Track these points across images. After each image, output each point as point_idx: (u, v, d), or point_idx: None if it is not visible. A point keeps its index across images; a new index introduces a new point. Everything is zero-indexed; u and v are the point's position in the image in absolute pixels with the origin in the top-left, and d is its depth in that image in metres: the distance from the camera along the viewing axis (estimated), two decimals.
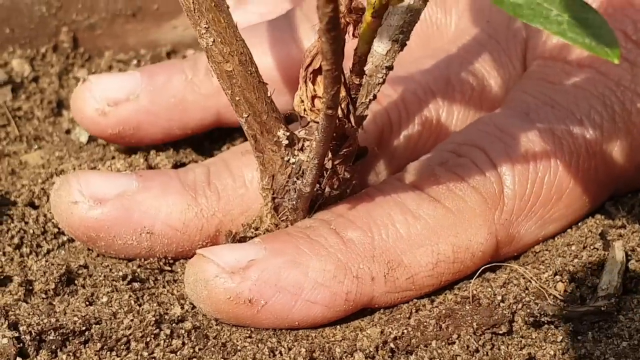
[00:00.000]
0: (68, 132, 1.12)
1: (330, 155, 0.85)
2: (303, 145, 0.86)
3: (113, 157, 1.05)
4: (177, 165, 1.03)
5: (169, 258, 0.92)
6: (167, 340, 0.83)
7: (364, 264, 0.84)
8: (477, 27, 0.99)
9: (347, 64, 0.80)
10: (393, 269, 0.84)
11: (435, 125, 0.96)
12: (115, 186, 0.90)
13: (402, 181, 0.89)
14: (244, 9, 1.13)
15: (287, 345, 0.83)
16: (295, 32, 1.02)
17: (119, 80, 1.01)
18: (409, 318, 0.84)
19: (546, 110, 0.91)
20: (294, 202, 0.88)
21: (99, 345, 0.82)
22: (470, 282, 0.87)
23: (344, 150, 0.84)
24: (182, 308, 0.86)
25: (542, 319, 0.83)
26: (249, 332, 0.84)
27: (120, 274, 0.89)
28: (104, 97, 1.00)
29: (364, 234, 0.85)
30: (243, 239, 0.89)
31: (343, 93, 0.81)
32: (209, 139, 1.08)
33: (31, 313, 0.83)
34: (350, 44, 0.79)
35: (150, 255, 0.91)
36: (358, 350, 0.81)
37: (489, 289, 0.86)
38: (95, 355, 0.81)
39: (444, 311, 0.84)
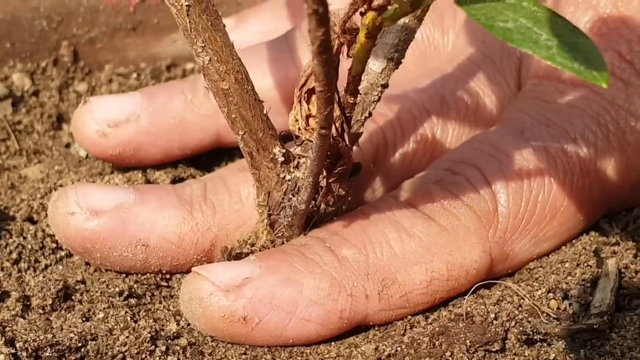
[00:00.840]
0: (68, 146, 1.13)
1: (325, 173, 0.85)
2: (299, 162, 0.86)
3: (112, 172, 1.05)
4: (176, 181, 1.03)
5: (164, 272, 0.92)
6: (163, 357, 0.83)
7: (359, 281, 0.84)
8: (473, 47, 1.00)
9: (343, 83, 0.81)
10: (387, 286, 0.85)
11: (431, 143, 0.96)
12: (112, 199, 0.91)
13: (397, 199, 0.90)
14: (243, 28, 1.14)
15: None
16: (294, 53, 1.02)
17: (119, 101, 1.02)
18: (403, 335, 0.85)
19: (541, 128, 0.91)
20: (290, 219, 0.88)
21: None
22: (464, 299, 0.88)
23: (339, 168, 0.85)
24: (178, 324, 0.87)
25: (535, 337, 0.84)
26: (244, 348, 0.84)
27: (117, 289, 0.90)
28: (104, 118, 1.01)
29: (359, 252, 0.85)
30: (239, 255, 0.89)
31: (337, 112, 0.81)
32: (207, 155, 1.09)
33: (28, 329, 0.84)
34: (346, 63, 0.80)
35: (146, 268, 0.91)
36: None
37: (483, 307, 0.86)
38: None
39: (437, 328, 0.84)
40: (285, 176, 0.86)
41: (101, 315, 0.87)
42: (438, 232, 0.87)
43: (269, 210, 0.88)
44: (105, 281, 0.91)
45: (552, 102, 0.93)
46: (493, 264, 0.89)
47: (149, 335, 0.84)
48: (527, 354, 0.83)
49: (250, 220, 0.91)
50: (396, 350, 0.83)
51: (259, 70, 0.99)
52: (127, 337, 0.84)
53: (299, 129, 0.84)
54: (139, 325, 0.85)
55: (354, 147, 0.87)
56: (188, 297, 0.84)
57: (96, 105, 1.01)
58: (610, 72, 0.90)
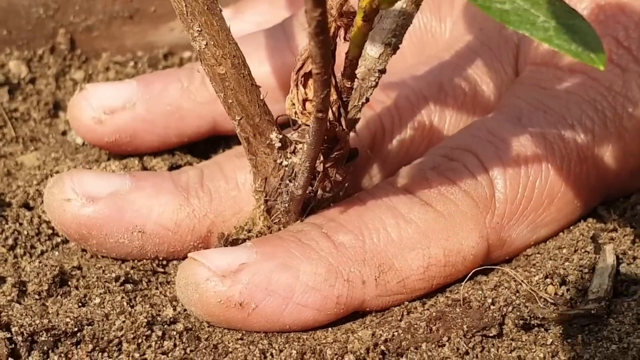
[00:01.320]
0: (64, 133, 1.13)
1: (321, 158, 0.85)
2: (295, 148, 0.86)
3: (108, 159, 1.05)
4: (173, 168, 1.03)
5: (161, 258, 0.92)
6: (159, 342, 0.83)
7: (355, 267, 0.84)
8: (470, 34, 1.00)
9: (341, 67, 0.81)
10: (384, 272, 0.85)
11: (428, 129, 0.96)
12: (109, 185, 0.91)
13: (394, 185, 0.90)
14: (240, 19, 1.14)
15: (279, 347, 0.83)
16: (291, 41, 1.02)
17: (116, 88, 1.02)
18: (400, 320, 0.85)
19: (538, 115, 0.91)
20: (287, 205, 0.88)
21: (90, 346, 0.82)
22: (461, 285, 0.88)
23: (336, 153, 0.85)
24: (175, 310, 0.87)
25: (532, 322, 0.84)
26: (240, 334, 0.84)
27: (113, 275, 0.90)
28: (101, 105, 1.01)
29: (356, 238, 0.85)
30: (235, 241, 0.89)
31: (334, 96, 0.81)
32: (205, 142, 1.09)
33: (24, 314, 0.84)
34: (343, 48, 0.80)
35: (142, 255, 0.91)
36: (349, 353, 0.82)
37: (480, 292, 0.86)
38: (87, 356, 0.82)
39: (434, 314, 0.84)
40: (282, 162, 0.86)
41: (97, 300, 0.87)
42: (435, 218, 0.87)
43: (265, 196, 0.88)
44: (101, 267, 0.91)
45: (550, 89, 0.93)
46: (490, 250, 0.89)
47: (145, 321, 0.84)
48: (524, 339, 0.83)
49: (246, 206, 0.91)
50: (393, 336, 0.83)
51: (256, 58, 0.99)
52: (124, 322, 0.84)
53: (296, 112, 0.84)
54: (135, 310, 0.85)
55: (352, 134, 0.87)
56: (184, 282, 0.84)
57: (92, 92, 1.01)
58: (607, 58, 0.91)
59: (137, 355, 0.82)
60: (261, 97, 0.85)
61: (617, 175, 0.93)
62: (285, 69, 1.01)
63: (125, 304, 0.86)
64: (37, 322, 0.83)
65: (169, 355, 0.82)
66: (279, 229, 0.89)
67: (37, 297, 0.88)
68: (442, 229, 0.87)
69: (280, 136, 0.85)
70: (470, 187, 0.88)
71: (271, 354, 0.82)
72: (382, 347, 0.82)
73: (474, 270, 0.89)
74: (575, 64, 0.93)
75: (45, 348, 0.82)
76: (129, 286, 0.90)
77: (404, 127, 0.96)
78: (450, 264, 0.87)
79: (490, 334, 0.83)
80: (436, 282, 0.87)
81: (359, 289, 0.84)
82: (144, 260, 0.92)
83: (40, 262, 0.91)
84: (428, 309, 0.86)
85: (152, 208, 0.90)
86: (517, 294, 0.86)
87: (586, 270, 0.88)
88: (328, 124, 0.80)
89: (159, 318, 0.85)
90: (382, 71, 0.85)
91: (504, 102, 0.95)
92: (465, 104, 0.98)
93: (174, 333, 0.84)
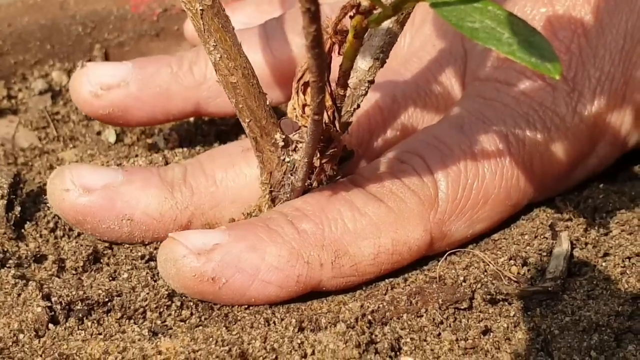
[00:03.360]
0: (99, 133, 1.14)
1: (318, 155, 0.85)
2: (296, 146, 0.87)
3: (136, 156, 1.06)
4: None
5: (147, 243, 0.91)
6: (178, 311, 0.84)
7: (315, 251, 0.84)
8: (424, 50, 0.99)
9: (336, 78, 0.81)
10: (339, 257, 0.84)
11: (382, 133, 0.96)
12: (103, 178, 0.90)
13: (353, 182, 0.89)
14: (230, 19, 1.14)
15: (280, 316, 0.83)
16: (270, 39, 1.02)
17: (113, 68, 1.01)
18: (385, 294, 0.85)
19: (478, 124, 0.91)
20: (288, 195, 0.89)
21: (119, 314, 0.83)
22: (438, 265, 0.88)
23: (330, 151, 0.85)
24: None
25: (498, 297, 0.84)
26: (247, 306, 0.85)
27: (139, 254, 0.90)
28: (98, 81, 1.00)
29: (316, 226, 0.85)
30: None
31: (329, 102, 0.82)
32: (219, 140, 1.09)
33: (62, 286, 0.84)
34: (338, 61, 0.80)
35: (130, 240, 0.91)
36: (341, 321, 0.82)
37: (453, 271, 0.87)
38: (116, 322, 0.82)
39: (414, 289, 0.85)
40: (285, 158, 0.87)
41: (125, 275, 0.88)
42: (386, 212, 0.86)
43: (270, 188, 0.89)
44: (129, 247, 0.92)
45: (490, 101, 0.92)
46: (433, 242, 0.88)
47: (167, 293, 0.84)
48: (490, 312, 0.83)
49: (223, 201, 0.91)
50: (378, 307, 0.83)
51: None
52: (148, 293, 0.84)
53: (296, 116, 0.84)
54: (157, 284, 0.86)
55: (344, 134, 0.87)
56: (164, 258, 0.83)
57: (92, 69, 1.01)
58: (540, 78, 0.91)
59: (159, 322, 0.83)
60: (267, 103, 0.85)
61: (544, 179, 0.92)
62: (265, 64, 1.00)
63: (149, 278, 0.87)
64: (74, 293, 0.83)
65: (187, 322, 0.83)
66: None
67: (74, 272, 0.88)
68: (392, 222, 0.86)
69: (284, 136, 0.86)
70: (417, 186, 0.88)
71: (274, 322, 0.83)
72: (369, 317, 0.83)
73: (448, 253, 0.89)
74: (512, 80, 0.92)
75: (80, 315, 0.82)
76: (152, 263, 0.90)
77: (361, 132, 0.95)
78: (398, 252, 0.86)
79: (462, 307, 0.83)
80: (384, 268, 0.87)
81: (317, 270, 0.84)
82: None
83: (77, 243, 0.91)
84: (409, 285, 0.87)
85: (140, 200, 0.89)
86: (485, 273, 0.86)
87: (545, 254, 0.88)
88: (324, 126, 0.81)
89: None
90: (372, 82, 0.85)
91: (450, 111, 0.94)
92: (415, 113, 0.97)
93: (191, 304, 0.84)
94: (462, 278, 0.86)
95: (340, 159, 0.88)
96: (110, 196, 0.89)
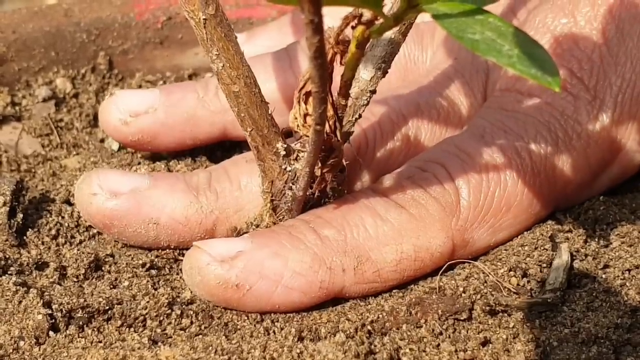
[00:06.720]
0: (102, 141, 1.13)
1: (319, 164, 0.85)
2: (298, 155, 0.87)
3: (139, 163, 1.05)
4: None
5: (172, 247, 0.92)
6: (178, 319, 0.84)
7: (337, 257, 0.84)
8: (447, 63, 1.00)
9: (338, 88, 0.81)
10: (362, 263, 0.85)
11: (406, 143, 0.96)
12: (130, 183, 0.91)
13: (375, 190, 0.90)
14: (253, 43, 1.14)
15: (280, 325, 0.83)
16: (293, 63, 1.03)
17: (141, 95, 1.02)
18: (384, 305, 0.85)
19: (499, 133, 0.91)
20: (290, 204, 0.89)
21: (119, 322, 0.83)
22: (437, 276, 0.88)
23: (331, 160, 0.85)
24: (192, 292, 0.86)
25: (497, 308, 0.84)
26: (247, 314, 0.85)
27: (141, 262, 0.90)
28: (127, 109, 1.01)
29: (338, 233, 0.85)
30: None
31: (331, 112, 0.82)
32: (222, 149, 1.09)
33: (63, 294, 0.84)
34: (340, 71, 0.80)
35: (156, 244, 0.91)
36: (340, 331, 0.82)
37: (453, 282, 0.86)
38: (116, 330, 0.82)
39: (413, 299, 0.84)
40: (286, 167, 0.87)
41: (126, 283, 0.87)
42: (408, 219, 0.87)
43: (272, 197, 0.88)
44: (130, 255, 0.92)
45: (511, 111, 0.93)
46: (455, 249, 0.89)
47: (167, 301, 0.84)
48: (490, 323, 0.83)
49: (247, 205, 0.91)
50: (378, 317, 0.83)
51: (263, 76, 0.99)
52: (148, 302, 0.84)
53: (298, 125, 0.84)
54: (158, 292, 0.86)
55: (345, 144, 0.87)
56: (189, 267, 0.84)
57: (121, 97, 1.02)
58: (562, 87, 0.91)
59: (159, 330, 0.83)
60: (269, 112, 0.85)
61: (566, 187, 0.92)
62: (287, 86, 1.01)
63: (150, 286, 0.87)
64: (75, 300, 0.83)
65: (186, 331, 0.83)
66: None
67: (75, 279, 0.88)
68: (414, 229, 0.86)
69: (285, 145, 0.86)
70: (439, 194, 0.88)
71: (273, 331, 0.83)
72: (369, 327, 0.82)
73: (447, 264, 0.89)
74: (534, 91, 0.93)
75: (80, 323, 0.82)
76: (153, 272, 0.90)
77: (386, 141, 0.96)
78: (420, 259, 0.87)
79: (461, 318, 0.83)
80: (407, 275, 0.87)
81: (339, 276, 0.84)
82: (167, 250, 0.92)
83: (78, 250, 0.92)
84: (408, 295, 0.86)
85: (166, 204, 0.90)
86: (485, 284, 0.86)
87: (544, 265, 0.88)
88: (325, 135, 0.81)
89: (178, 299, 0.85)
90: (373, 92, 0.85)
91: (472, 122, 0.95)
92: (439, 123, 0.97)
93: (191, 312, 0.84)
94: (461, 289, 0.85)
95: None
96: (137, 200, 0.90)
